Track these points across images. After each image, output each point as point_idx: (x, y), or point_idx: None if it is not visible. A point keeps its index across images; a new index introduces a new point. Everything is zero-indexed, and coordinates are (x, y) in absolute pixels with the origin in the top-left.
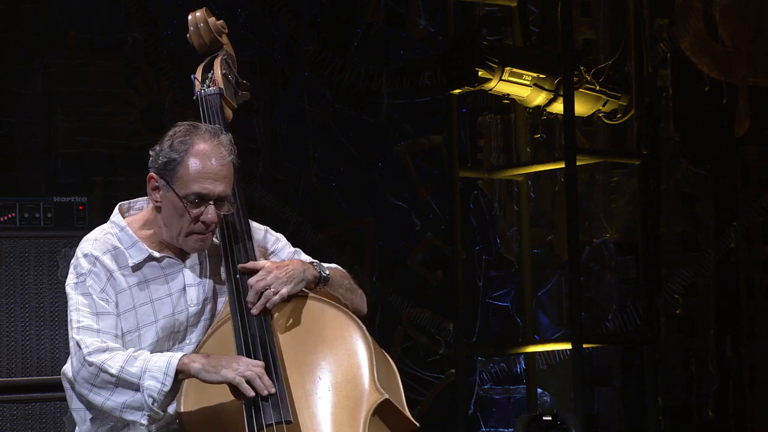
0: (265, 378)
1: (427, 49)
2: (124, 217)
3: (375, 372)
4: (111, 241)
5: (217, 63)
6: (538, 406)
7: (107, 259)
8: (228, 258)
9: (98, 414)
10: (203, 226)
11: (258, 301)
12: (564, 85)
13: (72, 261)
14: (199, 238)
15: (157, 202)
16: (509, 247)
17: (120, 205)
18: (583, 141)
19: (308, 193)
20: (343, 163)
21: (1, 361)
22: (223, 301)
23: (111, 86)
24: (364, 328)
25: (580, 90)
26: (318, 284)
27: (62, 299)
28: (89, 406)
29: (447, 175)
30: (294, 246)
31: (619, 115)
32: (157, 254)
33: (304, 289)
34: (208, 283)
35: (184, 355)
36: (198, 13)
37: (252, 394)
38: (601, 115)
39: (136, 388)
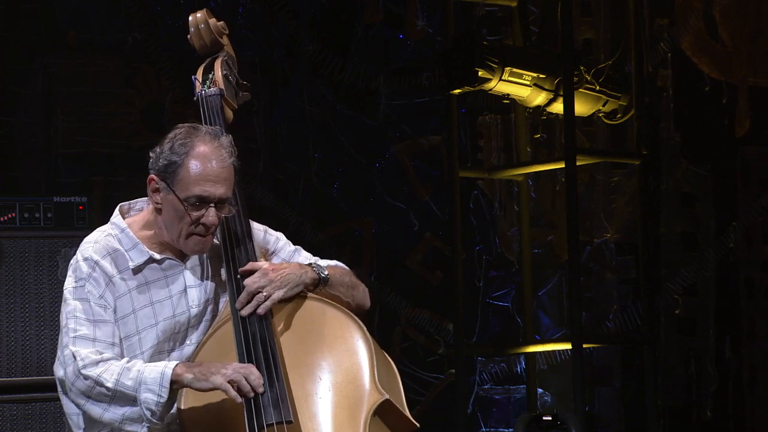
0: (253, 378)
1: (426, 49)
2: (124, 218)
3: (375, 372)
4: (111, 243)
5: (217, 64)
6: (538, 406)
7: (107, 264)
8: (229, 259)
9: (93, 421)
10: (204, 228)
11: (249, 302)
12: (564, 85)
13: (71, 262)
14: (200, 240)
15: (157, 204)
16: (509, 247)
17: (120, 206)
18: (583, 141)
19: (308, 193)
20: (343, 163)
21: (1, 361)
22: (224, 301)
23: (111, 86)
24: (365, 328)
25: (580, 90)
26: (317, 286)
27: (62, 299)
28: (85, 414)
29: (446, 175)
30: (294, 245)
31: (619, 115)
32: (157, 256)
33: (303, 290)
34: (209, 284)
35: (177, 366)
36: (199, 15)
37: (239, 399)
38: (601, 115)
39: (132, 400)
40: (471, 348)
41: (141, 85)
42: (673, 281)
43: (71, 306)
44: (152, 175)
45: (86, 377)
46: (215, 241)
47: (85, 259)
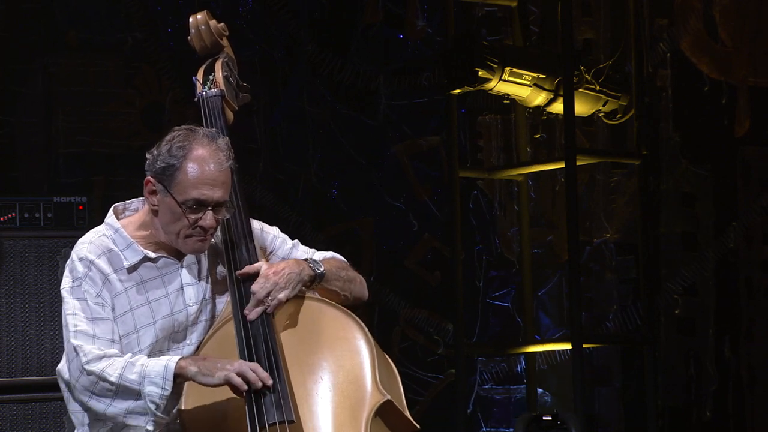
0: (260, 371)
1: (426, 49)
2: (119, 219)
3: (377, 373)
4: (105, 243)
5: (218, 65)
6: (538, 406)
7: (102, 263)
8: (230, 259)
9: (97, 417)
10: (201, 230)
11: (256, 308)
12: (564, 85)
13: (67, 263)
14: (197, 240)
15: (154, 205)
16: (509, 247)
17: (115, 207)
18: (583, 141)
19: (308, 193)
20: (343, 163)
21: (1, 361)
22: (222, 300)
23: (111, 86)
24: (366, 328)
25: (580, 90)
26: (314, 282)
27: (61, 299)
28: (89, 410)
29: (446, 175)
30: (291, 239)
31: (619, 115)
32: (152, 255)
33: (302, 288)
34: (206, 282)
35: (180, 359)
36: (199, 16)
37: (245, 387)
38: (601, 115)
39: (137, 394)
40: (471, 348)
41: (141, 85)
42: (673, 281)
43: (70, 305)
44: (149, 177)
45: (90, 372)
46: (213, 240)
47: (81, 259)
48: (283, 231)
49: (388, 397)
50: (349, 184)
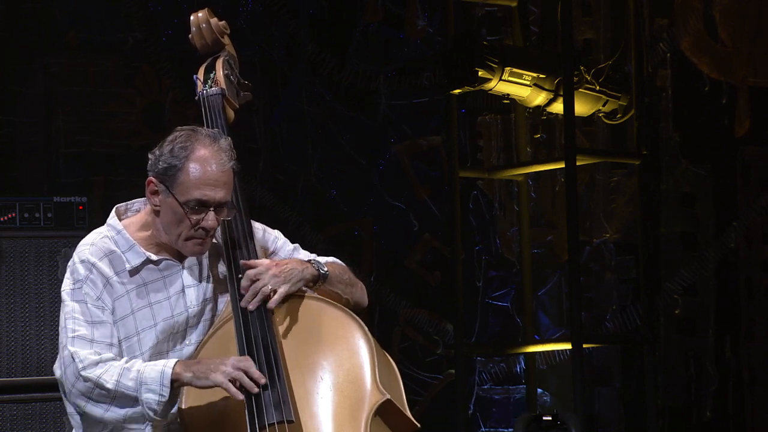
0: (252, 372)
1: (426, 49)
2: (121, 220)
3: (377, 372)
4: (107, 245)
5: (219, 63)
6: (538, 406)
7: (104, 265)
8: (230, 260)
9: (95, 420)
10: (203, 231)
11: (254, 298)
12: (564, 85)
13: (69, 264)
14: (198, 242)
15: (156, 206)
16: (509, 247)
17: (117, 208)
18: (583, 141)
19: (308, 193)
20: (343, 163)
21: (1, 361)
22: (223, 300)
23: (111, 86)
24: (366, 328)
25: (580, 90)
26: (317, 282)
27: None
28: (85, 414)
29: (446, 175)
30: (292, 243)
31: (619, 115)
32: (154, 257)
33: (303, 287)
34: (208, 283)
35: (176, 364)
36: (200, 14)
37: (241, 396)
38: (601, 115)
39: (134, 400)
40: (471, 348)
41: (141, 85)
42: (673, 281)
43: (69, 307)
44: (151, 177)
45: (86, 379)
46: (214, 240)
47: (82, 261)
48: (283, 232)
49: (388, 396)
50: (348, 184)
